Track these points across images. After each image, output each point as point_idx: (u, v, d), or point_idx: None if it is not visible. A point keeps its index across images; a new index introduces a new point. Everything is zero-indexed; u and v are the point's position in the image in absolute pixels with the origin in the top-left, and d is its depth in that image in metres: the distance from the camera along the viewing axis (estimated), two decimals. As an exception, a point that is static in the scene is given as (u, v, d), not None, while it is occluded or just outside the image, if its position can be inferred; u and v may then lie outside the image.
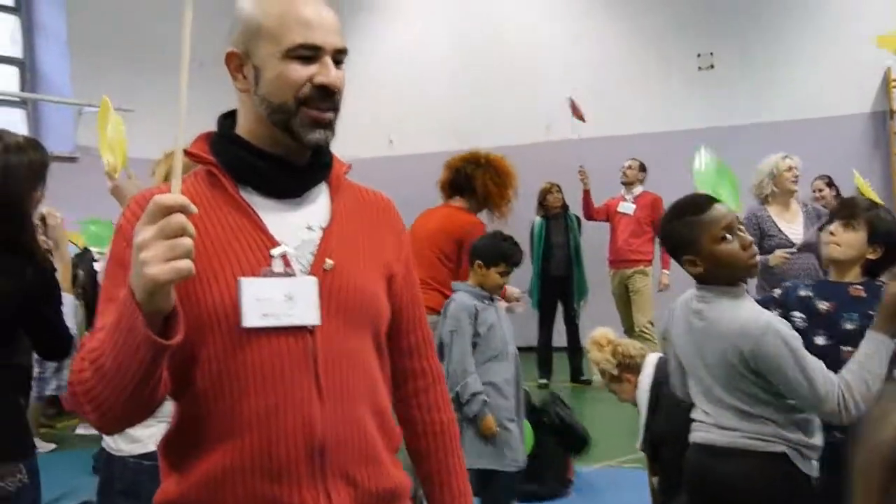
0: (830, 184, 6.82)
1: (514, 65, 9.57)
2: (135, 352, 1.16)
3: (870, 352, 2.19)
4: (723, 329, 2.23)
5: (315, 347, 1.37)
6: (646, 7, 9.12)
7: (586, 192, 7.56)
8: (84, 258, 5.23)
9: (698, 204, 2.34)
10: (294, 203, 1.45)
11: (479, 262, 3.60)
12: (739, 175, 5.30)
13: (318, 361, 1.37)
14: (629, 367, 3.40)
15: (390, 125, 9.99)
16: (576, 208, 7.76)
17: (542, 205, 7.73)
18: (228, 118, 1.51)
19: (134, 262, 1.12)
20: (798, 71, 8.53)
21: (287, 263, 1.39)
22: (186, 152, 1.43)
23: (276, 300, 1.35)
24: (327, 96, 1.40)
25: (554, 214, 7.71)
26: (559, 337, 7.84)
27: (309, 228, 1.44)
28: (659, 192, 7.40)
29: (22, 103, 8.21)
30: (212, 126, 1.51)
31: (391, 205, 1.62)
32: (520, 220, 7.22)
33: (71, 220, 6.82)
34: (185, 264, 1.11)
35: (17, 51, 8.19)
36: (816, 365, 2.14)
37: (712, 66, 8.89)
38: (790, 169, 5.02)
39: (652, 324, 7.25)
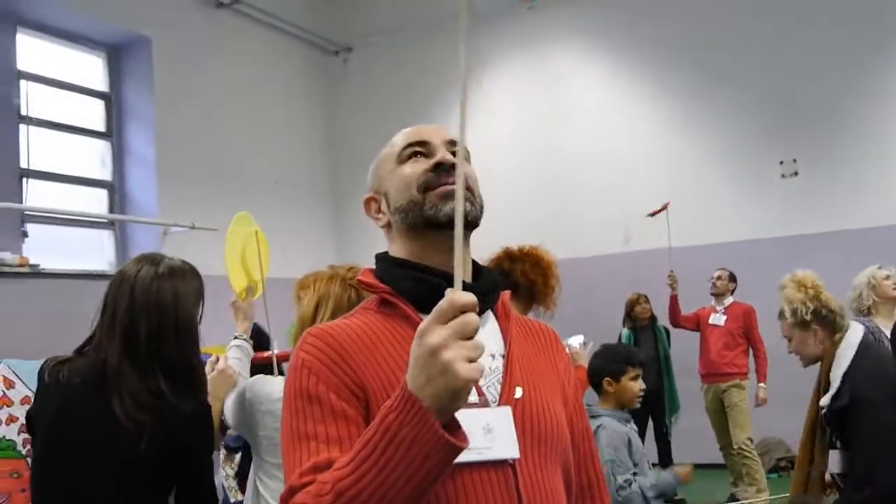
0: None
1: (594, 177, 9.52)
2: (419, 466, 1.06)
3: None
4: None
5: (517, 483, 1.28)
6: (726, 115, 9.04)
7: (674, 298, 7.37)
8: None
9: None
10: None
11: (608, 378, 3.44)
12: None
13: (521, 498, 1.28)
14: (823, 318, 3.13)
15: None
16: (663, 318, 7.54)
17: (630, 316, 7.54)
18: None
19: (427, 367, 1.05)
20: (887, 176, 8.29)
21: (480, 393, 1.31)
22: (358, 281, 1.44)
23: (476, 433, 1.25)
24: (446, 171, 1.38)
25: (642, 326, 7.51)
26: (650, 454, 7.48)
27: (491, 356, 1.37)
28: (747, 301, 7.19)
29: (110, 224, 8.42)
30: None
31: (557, 335, 1.57)
32: (606, 332, 7.08)
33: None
34: (482, 365, 1.06)
35: (106, 174, 8.46)
36: None
37: (796, 174, 8.70)
38: (888, 277, 4.93)
39: (751, 440, 6.90)
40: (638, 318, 7.51)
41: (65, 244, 7.68)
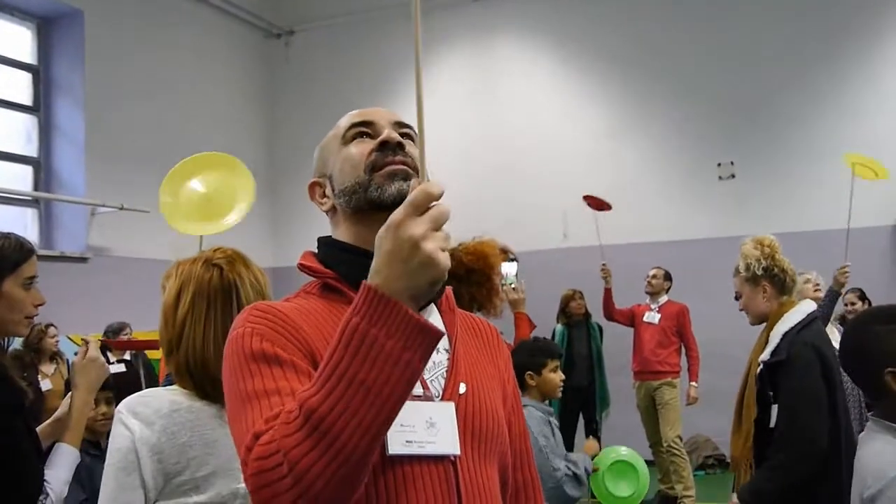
0: (863, 297, 6.63)
1: (534, 172, 9.54)
2: (397, 359, 1.00)
3: None
4: (861, 463, 1.90)
5: (458, 480, 1.24)
6: (667, 116, 9.15)
7: (607, 291, 7.38)
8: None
9: None
10: None
11: (530, 372, 3.50)
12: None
13: (461, 495, 1.24)
14: (774, 277, 3.19)
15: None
16: (598, 315, 7.55)
17: (564, 311, 7.53)
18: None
19: (408, 259, 1.01)
20: (821, 181, 8.43)
21: (425, 386, 1.26)
22: (300, 265, 1.37)
23: (419, 426, 1.22)
24: (392, 149, 1.33)
25: (576, 322, 7.51)
26: (579, 449, 7.50)
27: (435, 349, 1.29)
28: (681, 300, 7.25)
29: (34, 202, 8.11)
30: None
31: (497, 332, 1.54)
32: (541, 327, 7.02)
33: (80, 319, 6.70)
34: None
35: (32, 150, 8.15)
36: None
37: (733, 176, 8.83)
38: (808, 281, 5.06)
39: (681, 438, 6.96)
40: (572, 315, 7.50)
41: (-15, 221, 7.38)
